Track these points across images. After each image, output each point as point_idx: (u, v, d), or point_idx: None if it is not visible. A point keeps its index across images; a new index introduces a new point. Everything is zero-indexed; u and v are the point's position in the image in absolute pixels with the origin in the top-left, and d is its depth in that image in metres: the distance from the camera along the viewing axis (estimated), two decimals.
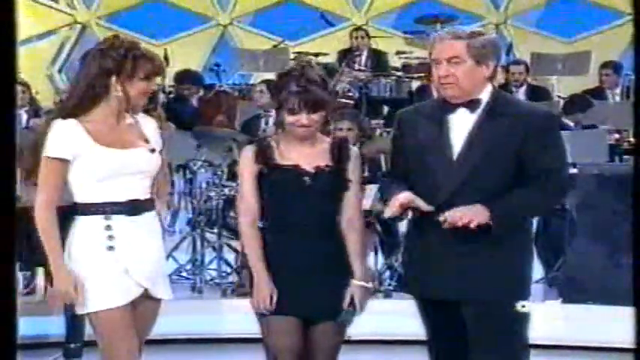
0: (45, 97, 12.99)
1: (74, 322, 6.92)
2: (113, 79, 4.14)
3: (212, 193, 8.50)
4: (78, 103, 4.16)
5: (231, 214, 8.41)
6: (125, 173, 4.15)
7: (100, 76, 4.14)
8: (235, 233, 8.44)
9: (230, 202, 8.37)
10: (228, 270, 8.45)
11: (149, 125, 4.28)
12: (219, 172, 8.70)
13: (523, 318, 4.06)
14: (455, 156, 4.04)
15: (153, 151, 4.21)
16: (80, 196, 4.16)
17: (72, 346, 6.96)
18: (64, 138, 4.10)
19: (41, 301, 7.78)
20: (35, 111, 10.86)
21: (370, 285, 4.34)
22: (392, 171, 4.33)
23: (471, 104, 4.07)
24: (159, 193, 4.31)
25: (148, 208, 4.22)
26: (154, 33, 14.64)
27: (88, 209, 4.14)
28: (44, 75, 14.81)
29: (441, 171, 4.03)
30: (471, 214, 3.93)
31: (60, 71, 15.17)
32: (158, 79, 4.27)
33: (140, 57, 4.18)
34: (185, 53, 14.30)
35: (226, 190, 8.49)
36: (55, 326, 7.17)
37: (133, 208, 4.16)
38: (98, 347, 4.21)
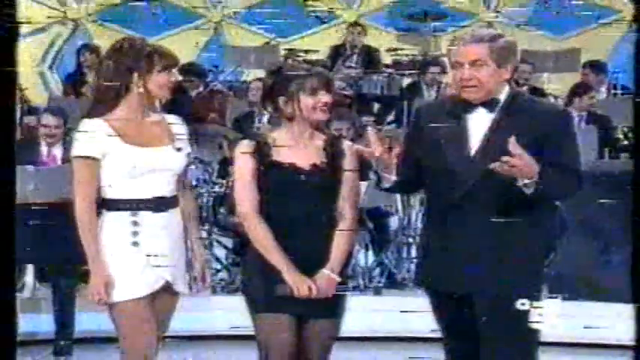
0: (35, 94, 12.97)
1: (64, 319, 6.93)
2: (135, 75, 4.26)
3: (202, 190, 8.51)
4: (101, 102, 4.28)
5: (222, 210, 8.42)
6: (151, 171, 4.25)
7: (120, 74, 4.26)
8: (226, 230, 8.45)
9: (220, 199, 8.38)
10: (219, 267, 8.46)
11: (177, 124, 4.40)
12: (209, 169, 8.70)
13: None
14: (472, 152, 4.07)
15: (179, 149, 4.33)
16: (108, 193, 4.25)
17: (62, 343, 6.96)
18: (92, 137, 4.20)
19: (30, 299, 7.79)
20: (29, 108, 10.82)
21: (339, 279, 4.30)
22: (404, 158, 4.20)
23: (489, 103, 4.11)
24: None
25: (172, 205, 4.34)
26: (145, 30, 14.60)
27: (115, 205, 4.25)
28: (35, 72, 14.76)
29: (459, 167, 4.06)
30: (521, 167, 3.88)
31: (51, 68, 15.13)
32: (176, 72, 4.38)
33: (155, 51, 4.33)
34: (176, 50, 14.25)
35: (217, 187, 8.51)
36: (44, 323, 7.17)
37: (159, 204, 4.27)
38: (118, 340, 4.27)
